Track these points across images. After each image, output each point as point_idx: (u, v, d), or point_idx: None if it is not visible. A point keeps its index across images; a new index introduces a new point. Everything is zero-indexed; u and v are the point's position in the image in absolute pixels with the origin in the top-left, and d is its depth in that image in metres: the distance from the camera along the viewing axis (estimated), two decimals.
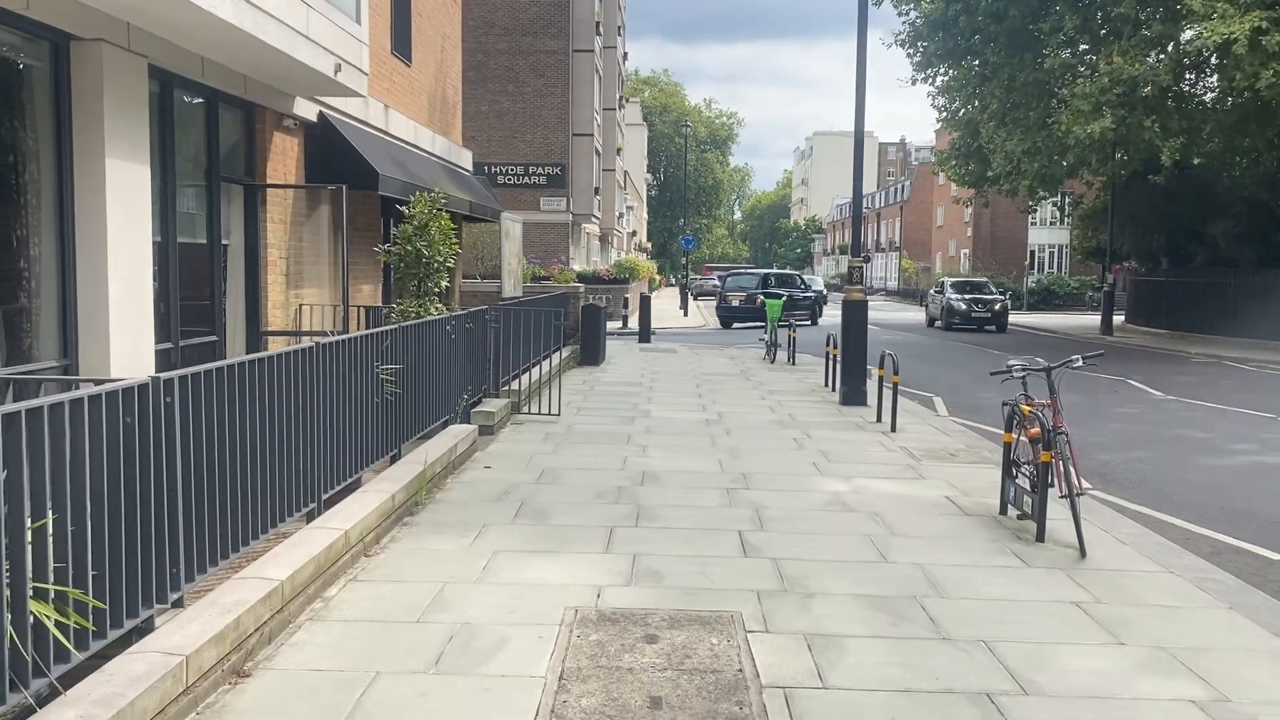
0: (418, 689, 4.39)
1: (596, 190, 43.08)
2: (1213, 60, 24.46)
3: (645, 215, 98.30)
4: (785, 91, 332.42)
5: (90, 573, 3.89)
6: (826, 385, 15.69)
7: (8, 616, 3.43)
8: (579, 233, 44.10)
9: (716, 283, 78.05)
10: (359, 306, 12.20)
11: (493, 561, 6.21)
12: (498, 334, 11.98)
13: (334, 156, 11.58)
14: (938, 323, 35.92)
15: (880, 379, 12.37)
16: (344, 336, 6.83)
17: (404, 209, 10.53)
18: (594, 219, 44.99)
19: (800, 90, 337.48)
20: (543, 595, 5.60)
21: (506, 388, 12.15)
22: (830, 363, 15.58)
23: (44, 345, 7.17)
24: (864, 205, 13.84)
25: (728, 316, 34.71)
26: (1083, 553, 6.63)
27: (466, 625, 5.13)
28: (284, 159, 11.01)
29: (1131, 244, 36.28)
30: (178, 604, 4.60)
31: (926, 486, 8.69)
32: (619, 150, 54.22)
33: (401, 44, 15.16)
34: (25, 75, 6.96)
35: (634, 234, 78.89)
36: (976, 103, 31.27)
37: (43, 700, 3.60)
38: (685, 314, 41.11)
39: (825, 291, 52.97)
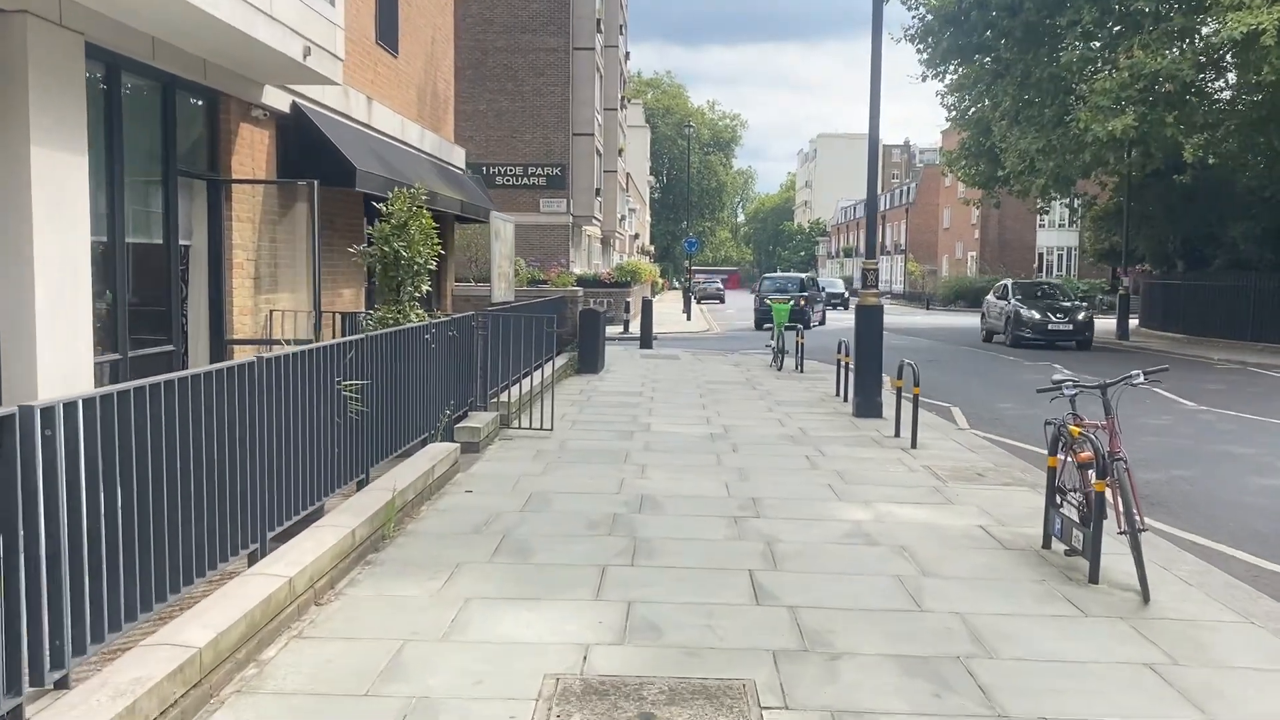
0: None
1: (597, 191, 42.24)
2: (1229, 57, 23.60)
3: (648, 218, 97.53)
4: (787, 94, 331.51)
5: None
6: (838, 395, 14.82)
7: None
8: (579, 235, 43.25)
9: (720, 285, 77.95)
10: (336, 313, 11.34)
11: (464, 612, 5.33)
12: (486, 342, 11.13)
13: (308, 150, 10.73)
14: (998, 336, 28.85)
15: (899, 391, 11.48)
16: (296, 349, 5.97)
17: (382, 206, 9.68)
18: (595, 221, 44.14)
19: (802, 93, 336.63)
20: (519, 658, 4.72)
21: (495, 400, 11.28)
22: (842, 371, 14.71)
23: None
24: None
25: (763, 319, 33.75)
26: (1145, 598, 5.74)
27: (424, 700, 4.26)
28: (252, 152, 10.16)
29: (1146, 246, 35.36)
30: (62, 684, 3.73)
31: (957, 514, 7.80)
32: (621, 151, 53.36)
33: (388, 34, 14.32)
34: None
35: (636, 237, 78.06)
36: (987, 101, 30.40)
37: None
38: (688, 318, 40.24)
39: (847, 294, 51.89)
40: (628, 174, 62.26)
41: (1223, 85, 27.10)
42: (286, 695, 4.31)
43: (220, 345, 9.61)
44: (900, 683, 4.56)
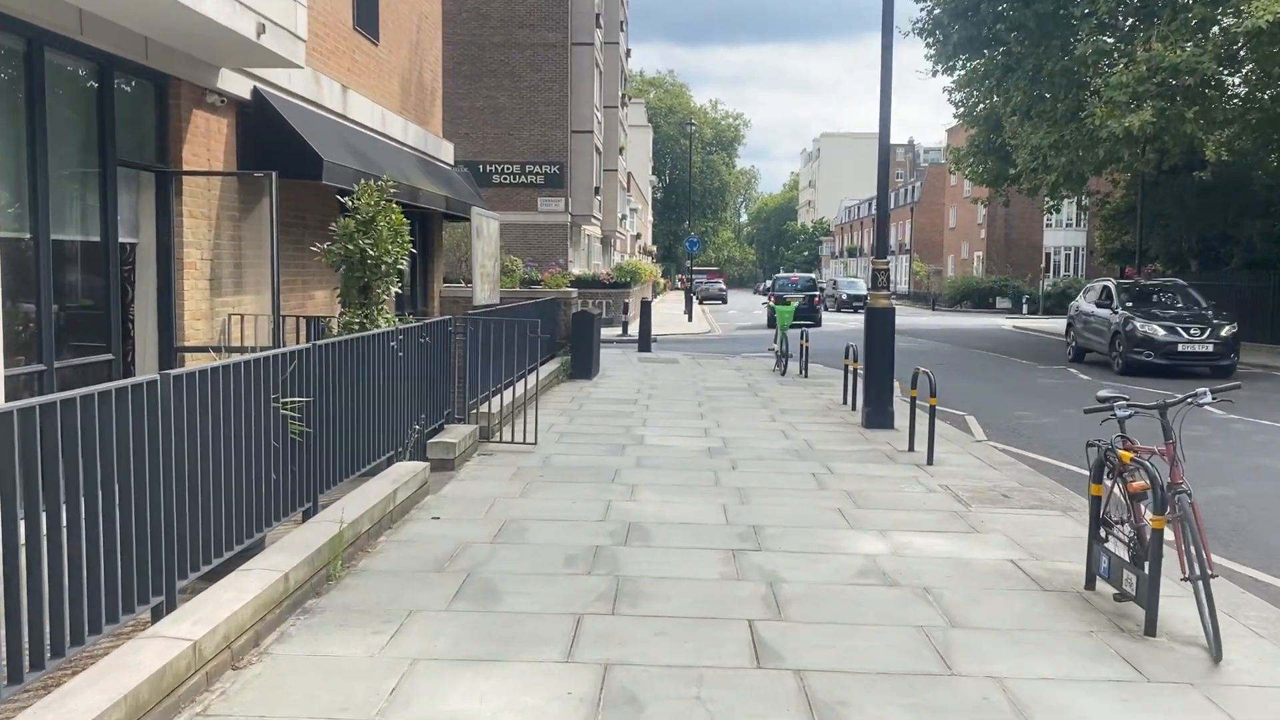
0: None
1: (597, 190, 41.36)
2: (1243, 52, 22.68)
3: (650, 218, 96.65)
4: (790, 94, 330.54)
5: None
6: (845, 403, 13.94)
7: None
8: (579, 235, 42.37)
9: (723, 286, 77.12)
10: (303, 317, 10.46)
11: (409, 679, 4.47)
12: (466, 348, 10.27)
13: (271, 140, 9.87)
14: (1093, 355, 22.18)
15: (913, 400, 10.60)
16: (220, 362, 5.11)
17: (347, 200, 8.82)
18: (594, 220, 43.25)
19: (805, 93, 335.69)
20: None
21: (476, 411, 10.42)
22: (850, 377, 13.83)
23: None
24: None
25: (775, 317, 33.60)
26: (1217, 656, 4.87)
27: None
28: (208, 142, 9.30)
29: (1159, 245, 34.43)
30: None
31: (984, 544, 6.92)
32: (621, 150, 52.47)
33: (367, 20, 13.46)
34: None
35: (638, 237, 77.17)
36: (995, 96, 29.48)
37: None
38: (689, 319, 39.34)
39: (844, 295, 51.46)
40: (629, 173, 61.37)
41: (1237, 80, 26.18)
42: None
43: (169, 353, 8.75)
44: None
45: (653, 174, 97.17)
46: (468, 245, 22.05)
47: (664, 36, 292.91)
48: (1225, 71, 23.16)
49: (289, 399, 5.78)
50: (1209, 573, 4.98)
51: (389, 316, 8.89)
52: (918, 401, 10.59)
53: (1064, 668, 4.78)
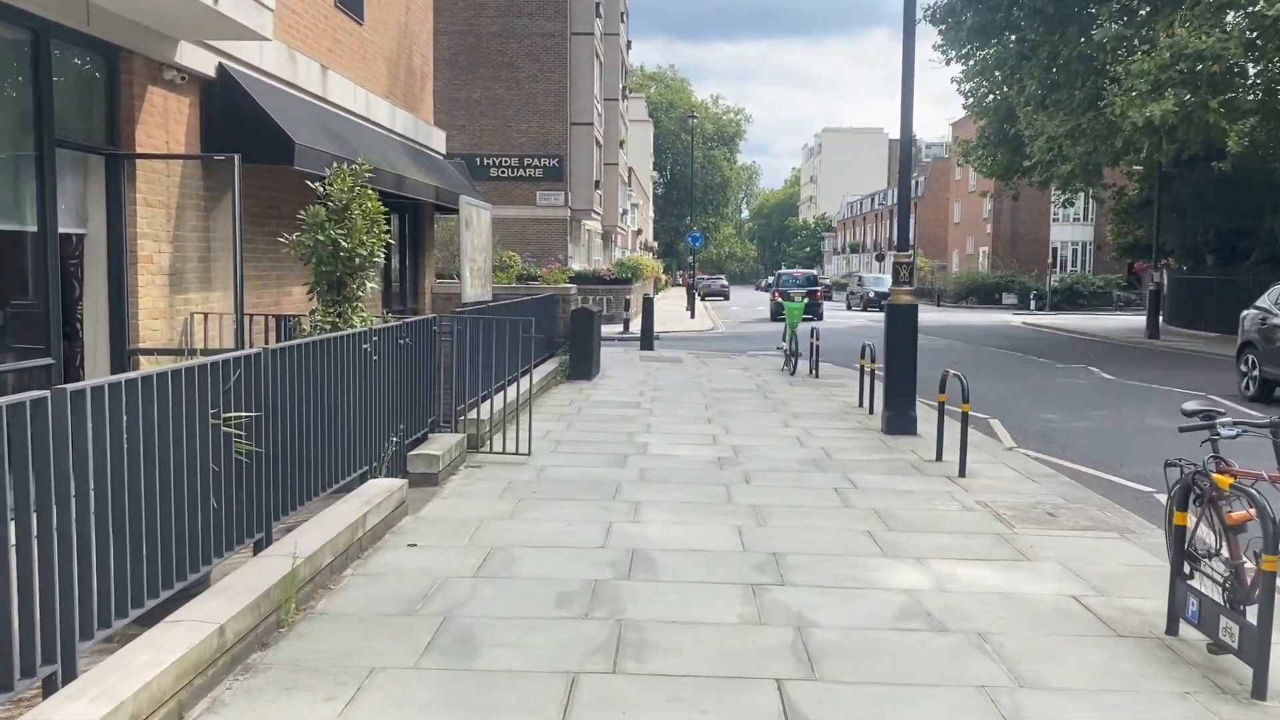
0: None
1: (597, 184, 40.46)
2: (1258, 41, 21.77)
3: (651, 214, 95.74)
4: (792, 90, 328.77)
5: None
6: (861, 406, 13.07)
7: None
8: (579, 230, 41.49)
9: (725, 282, 76.26)
10: (278, 315, 9.58)
11: None
12: (453, 349, 9.40)
13: (238, 121, 8.99)
14: None
15: (941, 405, 9.73)
16: (140, 372, 4.24)
17: (317, 186, 7.95)
18: (594, 215, 42.37)
19: (806, 89, 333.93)
20: None
21: (464, 418, 9.55)
22: (867, 379, 12.96)
23: None
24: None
25: (779, 311, 33.25)
26: None
27: None
28: (166, 123, 8.42)
29: (1174, 239, 33.56)
30: None
31: (1038, 576, 6.05)
32: (622, 143, 51.56)
33: None
34: None
35: (639, 232, 76.28)
36: (1007, 87, 28.61)
37: None
38: (692, 316, 38.47)
39: (870, 292, 51.07)
40: (630, 168, 60.45)
41: (1253, 69, 25.28)
42: None
43: (121, 355, 7.88)
44: None
45: (654, 169, 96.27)
46: (445, 235, 21.11)
47: (665, 32, 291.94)
48: (1251, 58, 22.24)
49: (232, 414, 4.92)
50: None
51: (365, 315, 8.02)
52: (953, 405, 9.72)
53: None
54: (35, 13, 6.60)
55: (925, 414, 11.53)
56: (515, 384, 10.94)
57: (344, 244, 7.69)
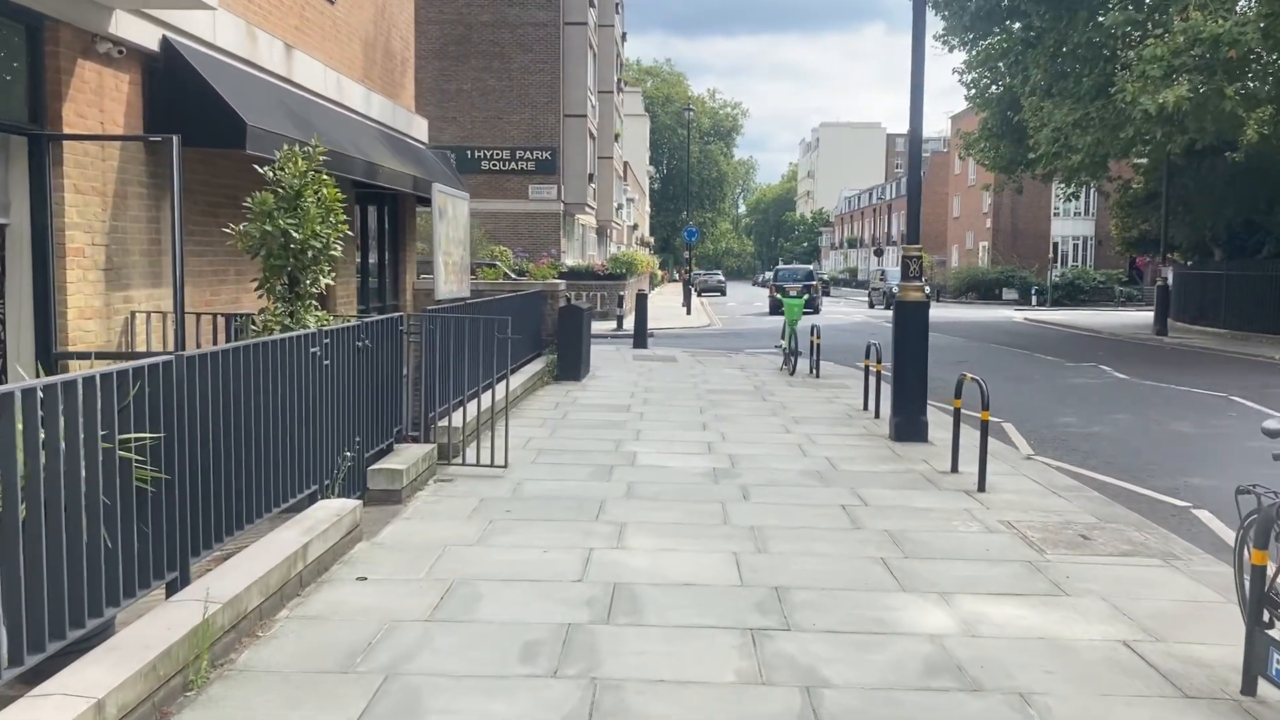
0: None
1: (591, 178, 39.62)
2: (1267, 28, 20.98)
3: (648, 209, 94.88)
4: (788, 85, 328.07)
5: None
6: (866, 409, 12.28)
7: None
8: (572, 224, 40.64)
9: (721, 278, 75.44)
10: (223, 315, 8.75)
11: None
12: (423, 351, 8.60)
13: (184, 100, 8.17)
14: None
15: (957, 411, 8.93)
16: (4, 387, 3.44)
17: (266, 171, 7.14)
18: (589, 209, 41.52)
19: (803, 84, 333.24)
20: None
21: (436, 426, 8.74)
22: (873, 380, 12.16)
23: None
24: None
25: (778, 306, 34.63)
26: None
27: None
28: (101, 100, 7.59)
29: (1181, 233, 32.75)
30: None
31: (1080, 615, 5.25)
32: (617, 137, 50.71)
33: None
34: None
35: (635, 227, 75.40)
36: (1011, 76, 27.77)
37: None
38: (688, 312, 37.65)
39: (895, 288, 50.38)
40: (625, 162, 59.61)
41: (1266, 56, 24.47)
42: None
43: (47, 361, 7.06)
44: None
45: (650, 164, 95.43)
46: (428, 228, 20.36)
47: (661, 27, 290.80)
48: (1266, 45, 21.42)
49: (131, 436, 4.11)
50: None
51: (320, 314, 7.22)
52: (971, 412, 8.93)
53: None
54: None
55: (935, 418, 10.73)
56: (493, 388, 10.11)
57: (295, 235, 6.88)
